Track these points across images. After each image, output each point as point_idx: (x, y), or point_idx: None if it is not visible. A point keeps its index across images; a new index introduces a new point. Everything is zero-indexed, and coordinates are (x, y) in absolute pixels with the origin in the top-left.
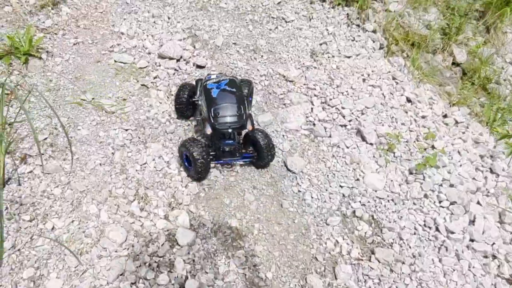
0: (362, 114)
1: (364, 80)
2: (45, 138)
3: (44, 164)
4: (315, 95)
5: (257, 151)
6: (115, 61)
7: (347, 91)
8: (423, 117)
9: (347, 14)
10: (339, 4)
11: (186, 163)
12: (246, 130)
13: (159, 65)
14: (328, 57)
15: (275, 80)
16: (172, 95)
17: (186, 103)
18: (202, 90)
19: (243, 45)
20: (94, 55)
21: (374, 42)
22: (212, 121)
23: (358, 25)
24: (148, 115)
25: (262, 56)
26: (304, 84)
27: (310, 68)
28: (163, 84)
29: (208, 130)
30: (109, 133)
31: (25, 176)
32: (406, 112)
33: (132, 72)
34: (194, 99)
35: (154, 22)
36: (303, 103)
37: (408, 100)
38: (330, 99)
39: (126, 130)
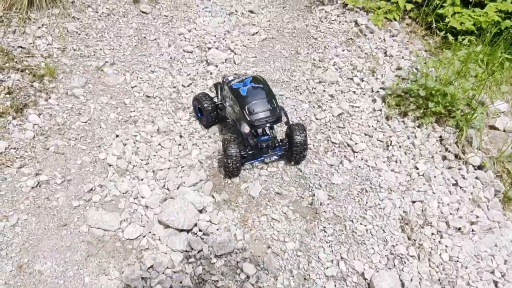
0: None
1: (496, 284)
2: None
3: None
4: None
5: (290, 145)
6: (90, 227)
7: None
8: None
9: (440, 136)
10: (429, 123)
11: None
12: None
13: (159, 239)
14: (432, 233)
15: None
16: None
17: (211, 110)
18: (228, 92)
19: (291, 197)
20: (60, 211)
21: (486, 186)
22: (249, 119)
23: (456, 156)
24: None
25: (324, 228)
26: None
27: (405, 259)
28: (163, 285)
29: (246, 129)
30: None
31: None
32: None
33: (113, 252)
34: (217, 103)
35: (160, 144)
36: None
37: None
38: None
39: None
